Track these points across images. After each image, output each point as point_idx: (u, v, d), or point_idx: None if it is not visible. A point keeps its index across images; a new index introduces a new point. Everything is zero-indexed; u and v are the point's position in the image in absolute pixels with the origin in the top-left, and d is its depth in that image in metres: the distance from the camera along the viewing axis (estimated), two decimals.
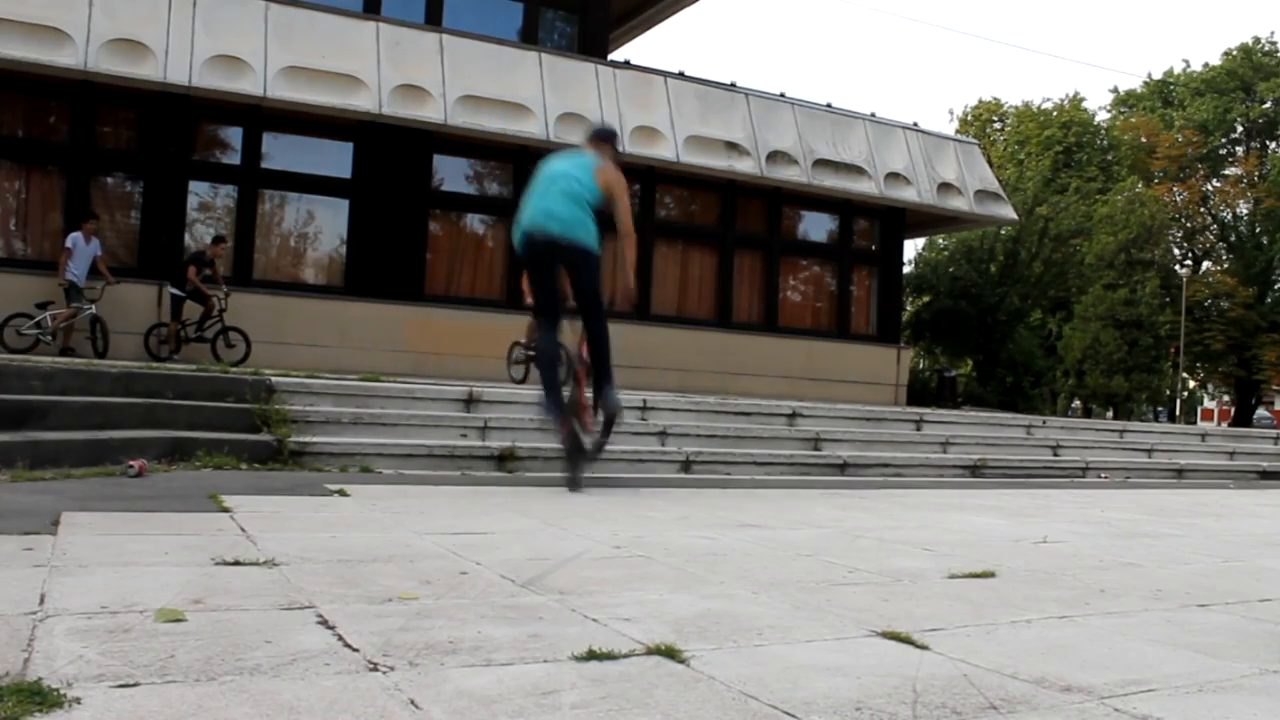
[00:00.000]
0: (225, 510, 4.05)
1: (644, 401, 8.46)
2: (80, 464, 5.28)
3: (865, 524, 4.77)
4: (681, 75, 15.07)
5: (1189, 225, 38.84)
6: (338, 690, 1.80)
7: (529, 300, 7.51)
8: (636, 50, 40.07)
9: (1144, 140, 37.95)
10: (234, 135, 12.93)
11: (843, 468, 8.42)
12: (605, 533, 3.96)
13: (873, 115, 16.55)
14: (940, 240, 29.28)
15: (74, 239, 11.33)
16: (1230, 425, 34.60)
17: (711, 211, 15.85)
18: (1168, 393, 35.32)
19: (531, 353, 9.86)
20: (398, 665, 1.98)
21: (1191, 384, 45.52)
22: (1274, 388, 42.52)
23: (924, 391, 22.12)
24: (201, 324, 11.79)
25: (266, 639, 2.11)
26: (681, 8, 17.75)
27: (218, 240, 12.25)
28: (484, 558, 3.24)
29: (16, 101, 11.90)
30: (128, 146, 12.51)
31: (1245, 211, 38.19)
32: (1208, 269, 38.83)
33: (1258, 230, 37.45)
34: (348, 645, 2.11)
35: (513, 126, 13.33)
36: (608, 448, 7.63)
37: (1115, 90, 51.61)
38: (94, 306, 11.38)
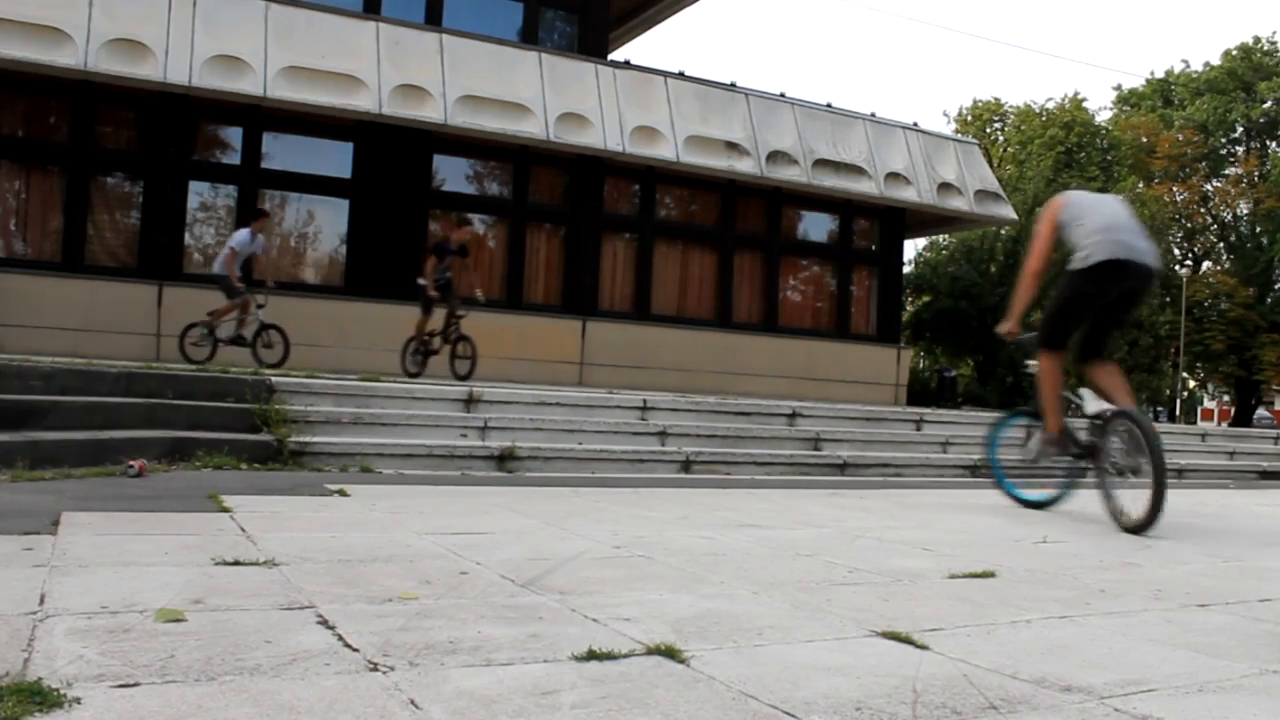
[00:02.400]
0: (225, 510, 4.05)
1: (644, 401, 8.46)
2: (80, 464, 5.28)
3: (865, 524, 4.77)
4: (681, 75, 15.07)
5: (1189, 225, 38.85)
6: (338, 690, 1.80)
7: None
8: (636, 50, 40.08)
9: (1144, 140, 37.96)
10: (234, 135, 12.93)
11: (843, 468, 8.43)
12: (605, 533, 3.96)
13: (873, 115, 16.54)
14: (941, 240, 29.28)
15: (240, 239, 10.66)
16: (1230, 425, 34.59)
17: (711, 211, 15.85)
18: (1168, 393, 35.33)
19: None
20: (398, 665, 1.98)
21: (1191, 384, 45.53)
22: (1274, 388, 42.50)
23: (924, 391, 22.12)
24: (446, 330, 10.40)
25: (266, 639, 2.11)
26: (681, 8, 17.75)
27: (462, 222, 10.73)
28: (484, 558, 3.24)
29: (16, 101, 11.90)
30: (128, 146, 12.51)
31: (1245, 212, 38.18)
32: (1208, 269, 38.83)
33: (1258, 230, 37.44)
34: (348, 645, 2.11)
35: (513, 126, 13.33)
36: (607, 448, 7.63)
37: (1118, 88, 51.64)
38: (263, 312, 10.69)
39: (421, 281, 10.32)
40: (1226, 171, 38.65)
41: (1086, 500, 7.09)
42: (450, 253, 10.40)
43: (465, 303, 10.56)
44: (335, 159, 13.30)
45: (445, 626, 2.30)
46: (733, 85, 15.51)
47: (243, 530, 3.55)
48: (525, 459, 6.94)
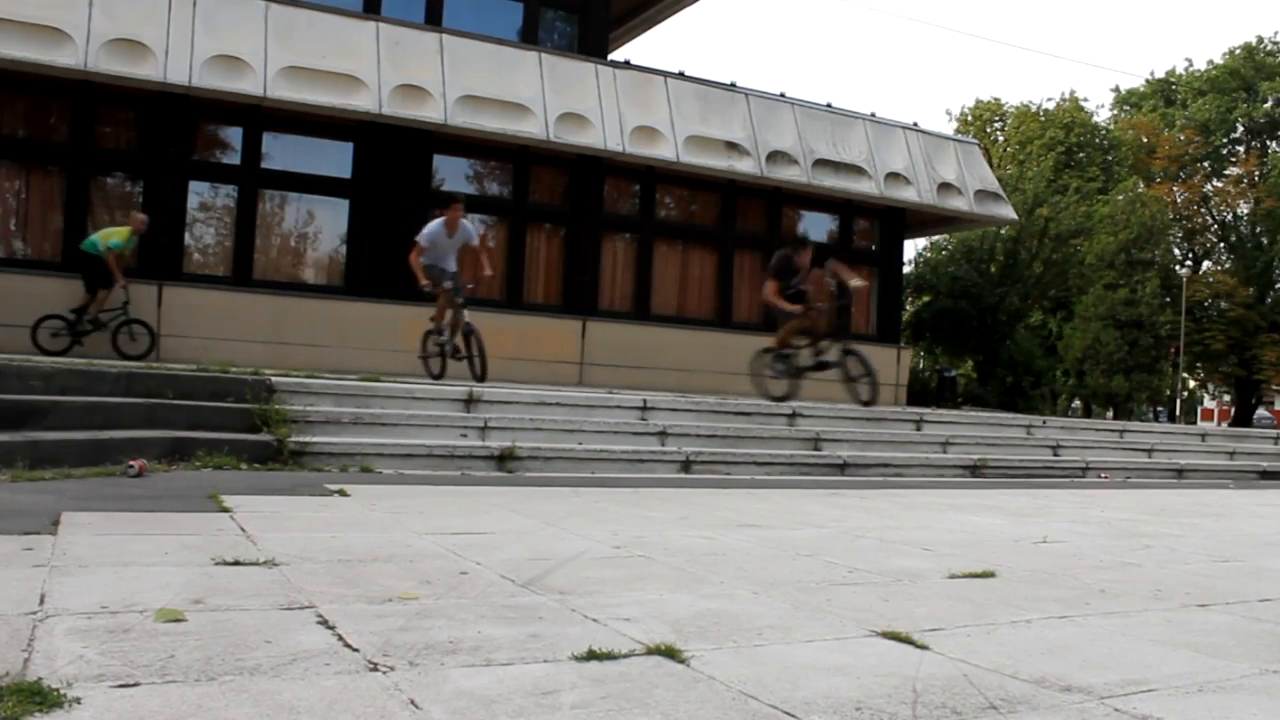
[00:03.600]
0: (225, 510, 4.05)
1: (644, 401, 8.46)
2: (80, 464, 5.28)
3: (865, 524, 4.77)
4: (681, 75, 15.06)
5: (1189, 225, 38.85)
6: (338, 690, 1.80)
7: None
8: (636, 50, 40.08)
9: (1144, 140, 37.97)
10: (234, 135, 12.92)
11: (843, 468, 8.42)
12: (605, 533, 3.96)
13: (873, 115, 16.54)
14: (941, 240, 29.28)
15: (428, 234, 9.40)
16: (1230, 425, 34.59)
17: (711, 211, 15.85)
18: (1168, 393, 35.35)
19: None
20: (398, 665, 1.98)
21: (1191, 384, 45.54)
22: (1274, 388, 42.52)
23: (924, 391, 22.11)
24: (816, 344, 9.97)
25: (266, 639, 2.11)
26: (681, 8, 17.74)
27: (805, 243, 10.32)
28: (484, 558, 3.24)
29: (16, 101, 11.89)
30: (128, 146, 12.50)
31: (1245, 211, 38.20)
32: (1208, 269, 38.85)
33: (1258, 230, 37.46)
34: (348, 645, 2.11)
35: (513, 126, 13.33)
36: (607, 448, 7.61)
37: (1117, 89, 51.63)
38: (465, 312, 9.47)
39: (770, 299, 10.31)
40: (1227, 171, 38.65)
41: (1085, 504, 7.09)
42: (796, 272, 10.38)
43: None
44: (335, 159, 13.29)
45: (445, 626, 2.30)
46: (733, 85, 15.50)
47: (243, 530, 3.55)
48: (525, 459, 6.94)
